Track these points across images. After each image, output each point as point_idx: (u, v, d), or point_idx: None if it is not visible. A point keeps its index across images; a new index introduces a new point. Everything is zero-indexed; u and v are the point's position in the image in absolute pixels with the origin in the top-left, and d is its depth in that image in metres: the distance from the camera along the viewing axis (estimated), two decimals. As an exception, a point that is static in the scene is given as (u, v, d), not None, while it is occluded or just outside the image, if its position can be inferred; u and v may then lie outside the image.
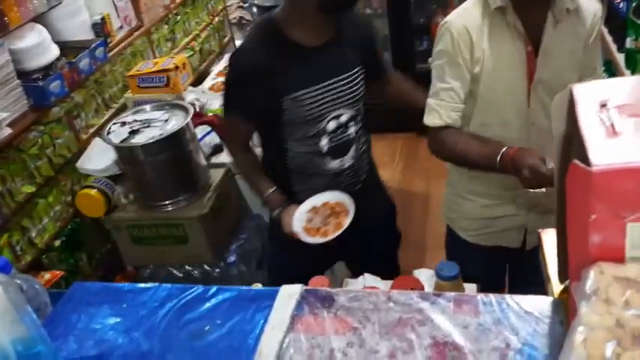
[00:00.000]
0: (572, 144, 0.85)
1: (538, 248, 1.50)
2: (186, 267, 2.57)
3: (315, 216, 1.80)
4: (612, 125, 0.74)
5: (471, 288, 1.55)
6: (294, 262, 1.81)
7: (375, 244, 2.07)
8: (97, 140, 2.75)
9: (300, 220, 1.79)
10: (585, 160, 0.72)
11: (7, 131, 2.30)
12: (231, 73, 1.85)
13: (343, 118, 1.82)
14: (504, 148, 1.50)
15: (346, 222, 1.71)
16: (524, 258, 1.77)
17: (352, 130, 1.86)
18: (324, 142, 1.82)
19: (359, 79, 1.83)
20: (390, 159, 4.12)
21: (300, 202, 1.86)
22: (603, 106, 0.79)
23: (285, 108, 1.76)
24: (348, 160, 1.88)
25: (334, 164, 1.85)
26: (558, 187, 0.91)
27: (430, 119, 1.64)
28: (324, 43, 1.75)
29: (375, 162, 2.12)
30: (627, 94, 0.81)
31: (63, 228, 2.60)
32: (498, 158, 1.50)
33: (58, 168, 2.58)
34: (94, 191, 2.56)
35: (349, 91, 1.80)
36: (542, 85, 1.56)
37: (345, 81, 1.79)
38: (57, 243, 2.55)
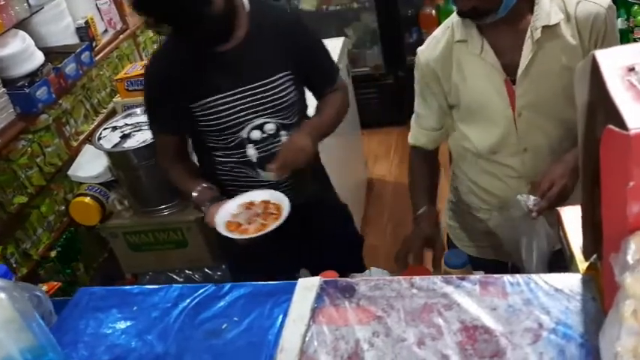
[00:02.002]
0: (597, 112, 0.82)
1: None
2: (187, 271, 2.53)
3: (246, 212, 1.63)
4: (645, 87, 0.71)
5: (479, 276, 1.52)
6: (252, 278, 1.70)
7: (332, 252, 1.91)
8: (87, 147, 2.69)
9: (227, 211, 1.62)
10: (620, 124, 0.68)
11: (-5, 141, 2.25)
12: (144, 85, 1.78)
13: (269, 127, 1.66)
14: (420, 211, 1.60)
15: (271, 227, 1.53)
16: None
17: (285, 139, 1.70)
18: (252, 152, 1.68)
19: (284, 86, 1.65)
20: (386, 153, 4.09)
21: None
22: (631, 69, 0.75)
23: (198, 116, 1.65)
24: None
25: (269, 176, 1.69)
26: (584, 159, 0.88)
27: (409, 136, 1.72)
28: (234, 47, 1.61)
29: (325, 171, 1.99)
30: (654, 56, 0.78)
31: (58, 238, 2.54)
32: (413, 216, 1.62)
33: (50, 177, 2.52)
34: (87, 199, 2.50)
35: (271, 98, 1.64)
36: (531, 110, 1.48)
37: (264, 88, 1.63)
38: (53, 254, 2.49)
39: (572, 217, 1.08)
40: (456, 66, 1.50)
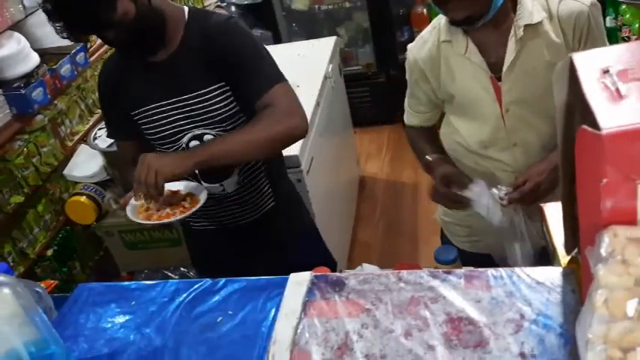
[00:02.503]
0: (575, 112, 0.86)
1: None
2: (182, 269, 2.56)
3: (166, 199, 1.53)
4: (617, 89, 0.74)
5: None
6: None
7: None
8: (83, 147, 2.72)
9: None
10: (593, 124, 0.72)
11: (-8, 141, 2.27)
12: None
13: (207, 138, 1.61)
14: (429, 158, 1.62)
15: (173, 218, 1.47)
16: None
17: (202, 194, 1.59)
18: None
19: (219, 97, 1.57)
20: (378, 151, 4.13)
21: (194, 228, 1.80)
22: (605, 72, 0.79)
23: (139, 124, 1.64)
24: (230, 186, 1.68)
25: (214, 189, 1.66)
26: (563, 158, 0.92)
27: (404, 117, 1.79)
28: (166, 58, 1.57)
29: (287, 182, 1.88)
30: (627, 59, 0.82)
31: (54, 237, 2.56)
32: (422, 165, 1.66)
33: (46, 177, 2.55)
34: (83, 198, 2.53)
35: (206, 110, 1.58)
36: (519, 106, 1.51)
37: (198, 99, 1.57)
38: (49, 252, 2.52)
39: (554, 213, 1.11)
40: (445, 65, 1.54)
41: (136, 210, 1.51)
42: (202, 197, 1.51)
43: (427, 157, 1.63)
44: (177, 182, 1.58)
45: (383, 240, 3.43)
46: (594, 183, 0.74)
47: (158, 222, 1.47)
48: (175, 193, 1.56)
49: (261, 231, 1.77)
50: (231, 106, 1.59)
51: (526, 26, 1.44)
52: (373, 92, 4.26)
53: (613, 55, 0.85)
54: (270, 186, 1.77)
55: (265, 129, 1.48)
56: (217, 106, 1.59)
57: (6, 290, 0.81)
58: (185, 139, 1.62)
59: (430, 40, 1.56)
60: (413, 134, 1.77)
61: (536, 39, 1.45)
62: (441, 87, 1.57)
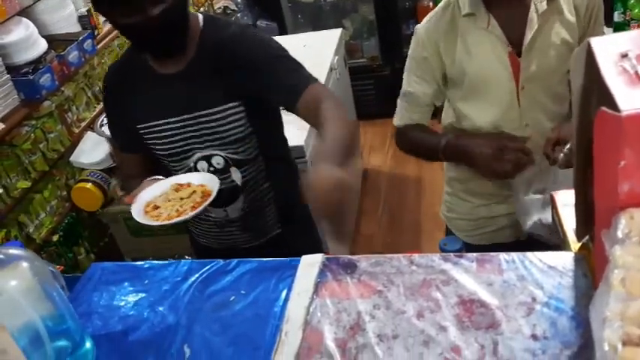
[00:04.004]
0: (592, 97, 0.86)
1: (530, 236, 1.54)
2: (186, 257, 2.56)
3: (172, 193, 1.44)
4: (636, 72, 0.75)
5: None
6: None
7: None
8: (89, 134, 2.73)
9: (158, 189, 1.45)
10: (612, 107, 0.72)
11: (0, 126, 2.27)
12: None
13: (216, 160, 1.52)
14: (447, 137, 1.56)
15: (183, 217, 1.32)
16: (519, 249, 1.74)
17: (236, 176, 1.55)
18: None
19: (232, 118, 1.47)
20: (381, 144, 4.14)
21: (201, 245, 1.72)
22: (624, 56, 0.79)
23: (144, 137, 1.54)
24: (234, 212, 1.59)
25: (217, 212, 1.59)
26: (578, 143, 0.92)
27: (395, 119, 1.71)
28: (178, 72, 1.46)
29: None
30: (645, 44, 0.82)
31: (60, 223, 2.57)
32: (442, 147, 1.56)
33: (52, 162, 2.56)
34: (89, 185, 2.54)
35: (218, 129, 1.48)
36: (533, 83, 1.52)
37: (210, 117, 1.47)
38: (55, 238, 2.52)
39: (565, 200, 1.12)
40: (461, 41, 1.52)
41: (142, 210, 1.40)
42: (214, 189, 1.40)
43: (443, 139, 1.57)
44: (187, 174, 1.50)
45: (385, 233, 3.44)
46: (612, 166, 0.74)
47: (167, 222, 1.32)
48: (183, 186, 1.46)
49: (265, 255, 1.62)
50: (243, 127, 1.50)
51: (548, 1, 1.45)
52: (377, 85, 4.27)
53: (632, 40, 0.85)
54: (278, 213, 1.67)
55: (342, 114, 1.34)
56: (230, 126, 1.49)
57: (24, 264, 0.81)
58: (193, 159, 1.52)
59: (446, 16, 1.54)
60: (410, 131, 1.68)
61: (554, 15, 1.48)
62: (455, 64, 1.54)
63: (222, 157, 1.52)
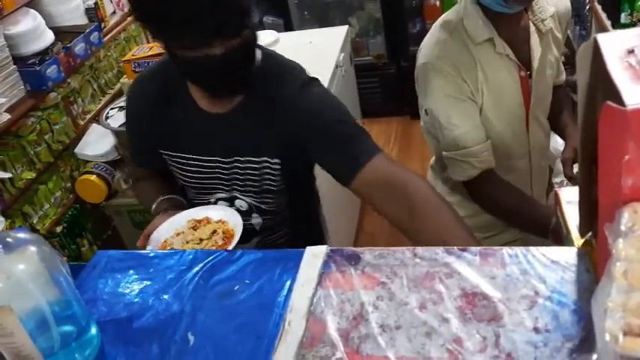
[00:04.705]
0: (597, 94, 0.87)
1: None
2: (189, 250, 2.57)
3: (188, 232, 1.31)
4: (642, 68, 0.75)
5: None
6: None
7: None
8: (94, 126, 2.74)
9: (172, 227, 1.33)
10: (618, 102, 0.73)
11: (6, 117, 2.29)
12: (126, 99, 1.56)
13: (239, 204, 1.44)
14: (554, 221, 1.32)
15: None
16: None
17: (256, 221, 1.47)
18: None
19: (265, 172, 1.38)
20: (385, 143, 4.14)
21: None
22: (631, 52, 0.80)
23: (168, 162, 1.45)
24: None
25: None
26: (582, 140, 0.93)
27: (460, 174, 1.48)
28: (222, 113, 1.35)
29: None
30: (652, 41, 0.82)
31: (64, 214, 2.59)
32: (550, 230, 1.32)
33: (57, 154, 2.58)
34: (93, 177, 2.55)
35: (248, 179, 1.39)
36: (536, 105, 1.50)
37: (242, 165, 1.38)
38: (59, 229, 2.54)
39: (569, 197, 1.12)
40: (480, 69, 1.43)
41: (159, 246, 1.30)
42: (236, 230, 1.27)
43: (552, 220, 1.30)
44: (205, 208, 1.38)
45: (388, 232, 3.45)
46: (616, 160, 0.74)
47: None
48: (201, 222, 1.32)
49: None
50: (279, 183, 1.40)
51: (548, 17, 1.44)
52: (383, 83, 4.27)
53: (638, 36, 0.86)
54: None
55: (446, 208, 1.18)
56: (263, 177, 1.38)
57: (32, 248, 0.82)
58: (214, 197, 1.45)
59: (456, 44, 1.43)
60: (496, 187, 1.45)
61: (549, 34, 1.47)
62: (478, 92, 1.43)
63: (246, 202, 1.44)
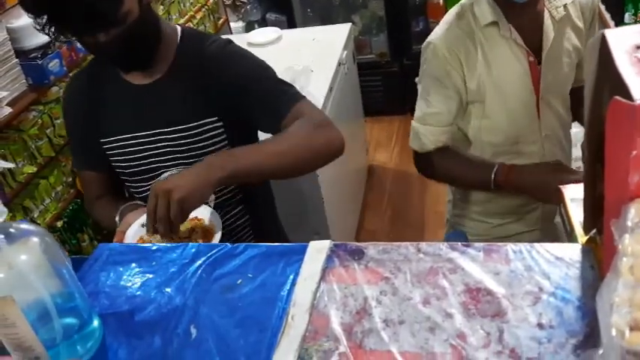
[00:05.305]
0: (604, 89, 0.86)
1: None
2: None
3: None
4: (650, 63, 0.75)
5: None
6: None
7: None
8: (96, 121, 2.74)
9: (141, 228, 1.29)
10: (626, 96, 0.72)
11: (7, 110, 2.28)
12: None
13: None
14: (495, 168, 1.47)
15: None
16: None
17: (210, 199, 1.38)
18: None
19: (209, 134, 1.39)
20: (387, 141, 4.14)
21: None
22: (638, 47, 0.80)
23: (109, 155, 1.45)
24: None
25: None
26: (589, 136, 0.92)
27: (418, 144, 1.58)
28: (151, 82, 1.38)
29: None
30: (660, 36, 0.82)
31: (64, 209, 2.59)
32: (492, 179, 1.47)
33: (59, 148, 2.57)
34: (95, 171, 2.55)
35: (190, 147, 1.39)
36: (550, 93, 1.50)
37: (182, 134, 1.38)
38: (59, 224, 2.54)
39: (573, 194, 1.12)
40: (481, 52, 1.46)
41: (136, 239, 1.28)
42: (216, 228, 1.26)
43: (495, 168, 1.47)
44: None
45: (389, 229, 3.45)
46: (623, 155, 0.74)
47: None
48: (199, 222, 1.30)
49: None
50: (222, 144, 1.41)
51: (563, 5, 1.45)
52: (385, 82, 4.27)
53: (645, 33, 0.86)
54: (254, 235, 1.60)
55: (303, 139, 1.26)
56: (204, 143, 1.40)
57: (35, 239, 0.82)
58: (161, 179, 1.36)
59: (462, 27, 1.48)
60: (443, 156, 1.56)
61: (566, 21, 1.47)
62: (475, 78, 1.48)
63: None
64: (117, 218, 1.39)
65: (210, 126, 1.39)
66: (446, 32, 1.49)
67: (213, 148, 1.41)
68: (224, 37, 1.50)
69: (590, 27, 1.50)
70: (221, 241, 1.21)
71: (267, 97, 1.35)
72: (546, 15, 1.45)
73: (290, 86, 1.40)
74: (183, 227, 1.26)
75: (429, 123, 1.54)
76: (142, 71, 1.37)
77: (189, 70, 1.37)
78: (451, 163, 1.57)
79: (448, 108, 1.51)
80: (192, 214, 1.24)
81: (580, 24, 1.48)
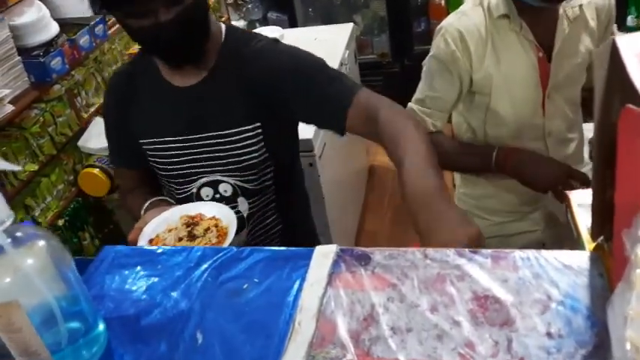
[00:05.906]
0: (614, 96, 0.86)
1: None
2: (191, 245, 2.56)
3: (182, 229, 1.29)
4: (663, 71, 0.74)
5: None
6: None
7: None
8: (98, 119, 2.73)
9: (163, 222, 1.30)
10: (638, 104, 0.72)
11: (9, 108, 2.28)
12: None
13: (223, 188, 1.41)
14: (495, 153, 1.49)
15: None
16: None
17: (243, 207, 1.44)
18: None
19: (251, 140, 1.36)
20: (388, 141, 4.13)
21: None
22: (650, 54, 0.79)
23: (148, 155, 1.44)
24: (236, 244, 1.37)
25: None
26: (598, 142, 0.92)
27: (429, 123, 1.59)
28: (195, 84, 1.35)
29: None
30: (672, 44, 0.81)
31: (66, 207, 2.58)
32: (493, 164, 1.49)
33: (60, 147, 2.57)
34: (96, 170, 2.54)
35: (231, 153, 1.37)
36: (558, 91, 1.50)
37: (224, 139, 1.36)
38: (60, 222, 2.53)
39: (580, 199, 1.12)
40: (491, 44, 1.48)
41: (148, 241, 1.27)
42: (230, 227, 1.24)
43: (495, 151, 1.49)
44: (197, 204, 1.36)
45: (390, 230, 3.44)
46: (635, 164, 0.73)
47: None
48: (194, 219, 1.30)
49: None
50: (258, 153, 1.39)
51: (579, 6, 1.46)
52: (387, 82, 4.27)
53: (657, 40, 0.85)
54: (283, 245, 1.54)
55: (424, 142, 1.19)
56: (246, 150, 1.37)
57: (41, 242, 0.81)
58: (197, 184, 1.41)
59: (475, 17, 1.49)
60: (440, 140, 1.57)
61: (580, 21, 1.47)
62: (482, 68, 1.49)
63: (230, 184, 1.41)
64: (142, 212, 1.39)
65: (251, 133, 1.36)
66: (460, 19, 1.51)
67: (251, 156, 1.39)
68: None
69: (606, 31, 1.50)
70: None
71: (326, 95, 1.31)
72: (561, 13, 1.45)
73: (344, 76, 1.38)
74: (201, 227, 1.27)
75: (428, 106, 1.57)
76: (192, 65, 1.33)
77: (232, 74, 1.33)
78: (450, 144, 1.60)
79: (449, 94, 1.54)
80: (211, 214, 1.27)
81: (594, 25, 1.49)
